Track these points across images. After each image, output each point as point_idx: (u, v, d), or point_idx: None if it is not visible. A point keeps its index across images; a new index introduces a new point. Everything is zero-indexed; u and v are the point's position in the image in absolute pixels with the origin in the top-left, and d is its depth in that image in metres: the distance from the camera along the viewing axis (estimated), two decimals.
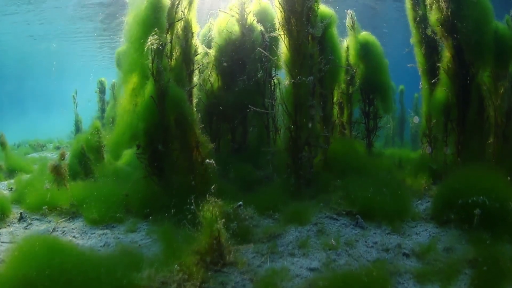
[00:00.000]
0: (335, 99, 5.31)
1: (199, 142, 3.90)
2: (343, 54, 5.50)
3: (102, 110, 11.73)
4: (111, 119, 8.49)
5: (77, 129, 12.32)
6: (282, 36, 4.16)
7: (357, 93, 5.69)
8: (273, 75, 5.47)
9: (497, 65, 4.56)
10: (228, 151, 5.31)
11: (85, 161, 4.85)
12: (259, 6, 5.78)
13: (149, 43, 3.39)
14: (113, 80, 10.73)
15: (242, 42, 5.20)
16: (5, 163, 6.44)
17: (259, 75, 4.94)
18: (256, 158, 4.93)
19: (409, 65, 5.24)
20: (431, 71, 5.06)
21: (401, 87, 11.16)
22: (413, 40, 5.25)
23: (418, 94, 10.46)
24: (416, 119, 9.92)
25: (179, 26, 4.45)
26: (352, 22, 5.57)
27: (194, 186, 3.69)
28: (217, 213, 2.70)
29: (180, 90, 3.86)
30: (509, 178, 3.64)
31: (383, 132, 7.71)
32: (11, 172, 6.27)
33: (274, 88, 5.36)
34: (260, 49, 4.55)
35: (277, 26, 4.22)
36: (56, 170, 3.82)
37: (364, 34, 5.64)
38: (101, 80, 11.83)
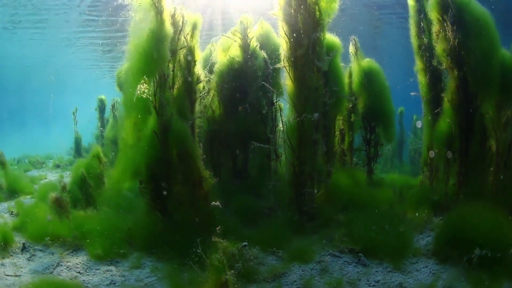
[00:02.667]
0: (337, 126, 5.42)
1: (202, 177, 3.99)
2: (345, 80, 5.61)
3: (102, 128, 11.86)
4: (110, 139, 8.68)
5: (77, 146, 12.52)
6: (287, 67, 4.26)
7: (358, 120, 5.80)
8: (274, 101, 5.56)
9: (501, 96, 4.61)
10: (229, 179, 5.39)
11: (86, 188, 4.92)
12: (262, 29, 5.88)
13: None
14: (113, 98, 10.89)
15: (245, 68, 5.30)
16: (5, 182, 6.48)
17: (261, 105, 5.03)
18: (258, 187, 5.03)
19: (412, 93, 5.36)
20: (434, 100, 5.16)
21: (400, 109, 11.36)
22: (417, 68, 5.36)
23: (417, 116, 10.62)
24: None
25: (182, 53, 4.52)
26: (356, 49, 5.69)
27: (198, 222, 3.77)
28: (225, 261, 2.79)
29: (183, 125, 3.95)
30: (508, 213, 3.81)
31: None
32: (11, 193, 6.31)
33: (275, 115, 5.45)
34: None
35: (282, 57, 4.31)
36: (58, 203, 3.89)
37: (368, 61, 5.76)
38: (101, 98, 11.92)
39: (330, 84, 4.70)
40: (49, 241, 4.16)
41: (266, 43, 5.85)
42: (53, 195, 3.91)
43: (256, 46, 5.39)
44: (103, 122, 11.84)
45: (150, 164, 3.83)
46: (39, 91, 38.02)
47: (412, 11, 5.44)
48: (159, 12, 4.04)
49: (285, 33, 4.20)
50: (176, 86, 4.42)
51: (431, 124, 5.12)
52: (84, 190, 4.92)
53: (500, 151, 4.62)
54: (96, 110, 11.88)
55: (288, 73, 4.21)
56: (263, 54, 5.19)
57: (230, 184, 5.17)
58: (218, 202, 3.26)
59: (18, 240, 4.25)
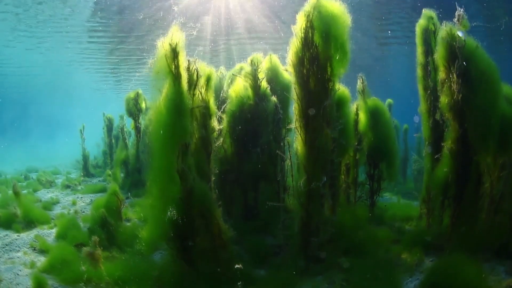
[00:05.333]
0: (342, 165, 6.19)
1: (221, 231, 4.84)
2: (352, 116, 6.28)
3: (110, 146, 12.62)
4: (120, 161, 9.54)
5: (85, 163, 13.43)
6: (298, 129, 4.94)
7: (363, 156, 6.56)
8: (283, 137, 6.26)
9: (499, 148, 5.28)
10: (240, 216, 6.24)
11: (108, 227, 5.73)
12: (270, 63, 6.41)
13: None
14: (120, 117, 11.51)
15: (256, 111, 5.92)
16: (21, 212, 7.23)
17: (271, 147, 5.74)
18: (268, 225, 5.90)
19: (415, 134, 6.08)
20: (437, 143, 5.87)
21: (405, 126, 12.06)
22: (420, 109, 6.02)
23: (420, 134, 11.38)
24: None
25: (198, 110, 5.13)
26: (363, 87, 6.29)
27: (220, 272, 4.68)
28: None
29: (204, 186, 4.71)
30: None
31: None
32: (28, 223, 7.09)
33: (284, 151, 6.16)
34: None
35: (294, 118, 4.97)
36: (92, 256, 4.72)
37: (373, 100, 6.38)
38: (109, 117, 12.47)
39: (339, 136, 5.38)
40: (83, 286, 5.04)
41: (275, 77, 6.44)
42: (86, 249, 4.73)
43: (266, 88, 5.97)
44: (110, 140, 12.58)
45: (176, 223, 4.64)
46: (43, 102, 39.41)
47: (419, 52, 5.98)
48: (177, 79, 4.61)
49: (297, 96, 4.82)
50: (193, 141, 5.10)
51: (431, 166, 5.90)
52: (106, 230, 5.74)
53: (494, 197, 5.44)
54: (103, 129, 12.57)
55: (299, 134, 4.89)
56: (274, 99, 5.79)
57: (242, 222, 6.02)
58: (240, 265, 4.14)
59: (51, 283, 5.10)
